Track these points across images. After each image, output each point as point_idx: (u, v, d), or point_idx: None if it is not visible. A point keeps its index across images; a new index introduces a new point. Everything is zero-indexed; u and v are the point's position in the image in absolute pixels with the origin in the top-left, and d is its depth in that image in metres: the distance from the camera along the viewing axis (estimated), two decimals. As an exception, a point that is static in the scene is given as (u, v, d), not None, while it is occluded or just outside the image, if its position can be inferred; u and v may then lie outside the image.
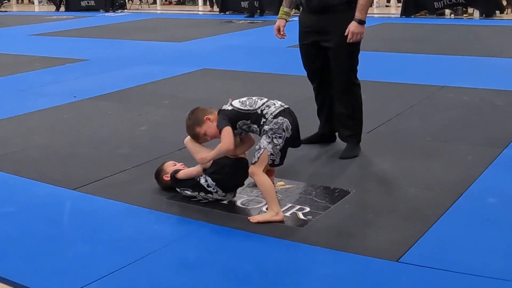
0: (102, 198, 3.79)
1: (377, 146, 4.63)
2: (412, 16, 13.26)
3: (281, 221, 3.34)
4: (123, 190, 3.92)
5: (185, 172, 3.69)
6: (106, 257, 3.04)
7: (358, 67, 4.42)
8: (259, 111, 3.45)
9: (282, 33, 4.56)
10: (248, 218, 3.38)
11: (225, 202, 3.65)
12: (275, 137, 3.40)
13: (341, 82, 4.38)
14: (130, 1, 18.40)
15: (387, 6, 16.35)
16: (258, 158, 3.40)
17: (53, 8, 18.57)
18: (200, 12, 16.87)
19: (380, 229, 3.25)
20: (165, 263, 2.98)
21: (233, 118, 3.48)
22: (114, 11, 16.57)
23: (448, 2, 12.85)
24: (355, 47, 4.29)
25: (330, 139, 4.68)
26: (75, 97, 6.47)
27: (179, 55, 9.27)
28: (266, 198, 3.44)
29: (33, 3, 21.16)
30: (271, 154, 3.40)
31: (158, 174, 3.85)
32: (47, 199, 3.82)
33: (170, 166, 3.81)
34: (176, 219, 3.46)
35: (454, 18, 12.88)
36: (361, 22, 4.17)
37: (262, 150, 3.40)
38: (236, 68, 7.92)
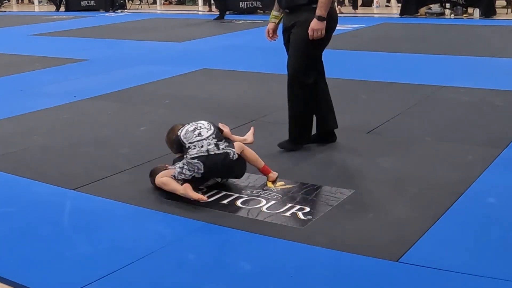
0: (102, 198, 3.79)
1: (377, 146, 4.63)
2: (412, 16, 13.26)
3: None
4: (123, 190, 3.92)
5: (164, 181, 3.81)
6: (106, 257, 3.04)
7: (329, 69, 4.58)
8: (186, 146, 3.81)
9: (271, 35, 4.72)
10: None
11: (225, 202, 3.65)
12: (185, 169, 3.72)
13: (289, 76, 4.49)
14: (130, 1, 18.40)
15: (387, 6, 16.35)
16: (167, 169, 3.81)
17: (53, 8, 18.58)
18: (200, 12, 16.86)
19: (380, 229, 3.25)
20: (165, 263, 2.98)
21: (178, 146, 3.89)
22: (114, 11, 16.57)
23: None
24: (307, 47, 4.37)
25: (327, 139, 4.68)
26: (75, 97, 6.47)
27: (179, 55, 9.27)
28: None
29: (33, 3, 21.16)
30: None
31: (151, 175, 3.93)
32: (47, 199, 3.82)
33: (161, 169, 3.86)
34: (176, 219, 3.46)
35: (454, 18, 12.89)
36: (320, 19, 4.26)
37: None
38: (236, 68, 7.92)
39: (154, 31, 12.09)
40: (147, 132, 5.15)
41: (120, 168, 4.29)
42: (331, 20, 4.36)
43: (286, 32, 4.56)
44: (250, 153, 3.91)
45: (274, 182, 3.90)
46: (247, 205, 3.60)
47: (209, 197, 3.72)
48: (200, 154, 3.74)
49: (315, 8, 4.28)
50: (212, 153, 3.74)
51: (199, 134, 3.84)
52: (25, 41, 11.44)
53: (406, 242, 3.08)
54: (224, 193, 3.77)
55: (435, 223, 3.28)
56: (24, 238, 3.29)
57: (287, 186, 3.84)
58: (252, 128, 4.22)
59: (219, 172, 3.80)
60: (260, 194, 3.75)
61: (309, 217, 3.41)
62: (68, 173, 4.24)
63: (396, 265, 2.88)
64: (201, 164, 3.71)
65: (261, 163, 3.93)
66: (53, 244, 3.21)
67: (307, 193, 3.74)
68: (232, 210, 3.55)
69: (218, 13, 14.47)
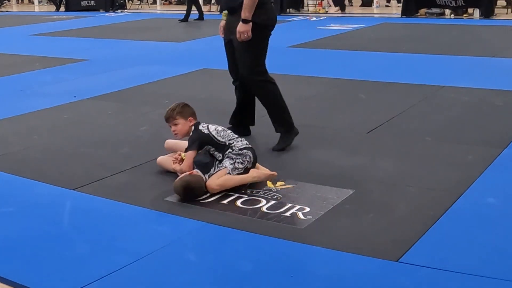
0: (102, 198, 3.79)
1: (377, 146, 4.63)
2: (412, 16, 13.26)
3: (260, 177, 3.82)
4: (123, 190, 3.92)
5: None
6: (106, 257, 3.04)
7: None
8: (227, 143, 3.93)
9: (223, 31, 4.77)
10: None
11: (225, 202, 3.65)
12: (238, 162, 3.84)
13: (245, 79, 4.63)
14: (130, 1, 18.41)
15: (387, 6, 16.36)
16: (216, 173, 3.81)
17: (53, 8, 18.59)
18: (200, 12, 16.84)
19: (380, 229, 3.25)
20: (165, 263, 2.98)
21: (204, 143, 3.96)
22: (114, 11, 16.58)
23: (449, 3, 12.85)
24: (253, 48, 4.49)
25: (244, 132, 4.82)
26: (75, 97, 6.47)
27: (179, 55, 9.27)
28: (240, 182, 3.77)
29: (33, 3, 21.17)
30: (228, 173, 3.80)
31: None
32: (47, 199, 3.82)
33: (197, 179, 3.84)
34: (176, 219, 3.46)
35: (454, 18, 12.89)
36: (244, 21, 4.35)
37: (222, 168, 3.82)
38: (236, 68, 7.91)
39: (154, 31, 12.08)
40: (147, 132, 5.15)
41: (120, 168, 4.29)
42: (255, 24, 4.42)
43: (229, 32, 4.63)
44: None
45: (273, 182, 3.90)
46: (247, 205, 3.60)
47: (209, 197, 3.72)
48: (246, 146, 3.94)
49: (255, 12, 4.38)
50: (250, 146, 3.99)
51: (232, 133, 4.03)
52: (25, 41, 11.44)
53: (406, 242, 3.08)
54: (224, 193, 3.77)
55: (435, 223, 3.28)
56: (24, 238, 3.29)
57: (287, 186, 3.84)
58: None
59: (255, 164, 3.96)
60: (260, 194, 3.75)
61: (309, 217, 3.41)
62: (68, 173, 4.24)
63: (396, 265, 2.88)
64: (250, 152, 3.91)
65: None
66: (53, 244, 3.21)
67: (307, 193, 3.74)
68: (232, 210, 3.55)
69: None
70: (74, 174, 4.21)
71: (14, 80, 7.61)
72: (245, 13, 4.34)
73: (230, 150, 3.90)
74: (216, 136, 3.96)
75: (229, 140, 3.95)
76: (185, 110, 4.13)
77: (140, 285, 2.79)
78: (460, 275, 2.77)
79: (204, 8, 17.25)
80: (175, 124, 4.10)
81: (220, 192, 3.75)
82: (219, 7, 15.49)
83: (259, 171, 3.88)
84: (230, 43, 4.65)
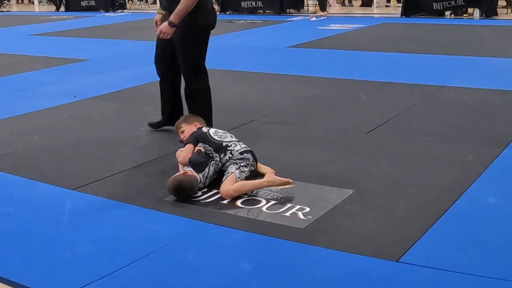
0: (102, 198, 3.79)
1: (377, 146, 4.63)
2: (412, 16, 13.26)
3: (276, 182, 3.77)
4: (123, 190, 3.92)
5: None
6: (106, 257, 3.04)
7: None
8: (223, 144, 3.96)
9: (159, 25, 4.81)
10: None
11: (225, 202, 3.65)
12: (242, 166, 3.85)
13: (184, 77, 4.85)
14: (130, 1, 18.40)
15: (387, 6, 16.35)
16: (225, 179, 3.77)
17: (53, 8, 18.58)
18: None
19: (380, 229, 3.25)
20: (165, 263, 2.98)
21: (199, 138, 4.03)
22: (114, 11, 16.57)
23: (447, 4, 12.85)
24: (194, 48, 4.72)
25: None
26: (75, 97, 6.47)
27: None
28: (254, 187, 3.78)
29: (33, 3, 21.17)
30: (238, 177, 3.79)
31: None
32: (47, 199, 3.82)
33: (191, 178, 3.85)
34: (176, 219, 3.46)
35: (454, 18, 12.89)
36: (171, 24, 4.56)
37: (230, 174, 3.80)
38: (236, 68, 7.93)
39: (154, 31, 12.06)
40: (147, 132, 5.15)
41: (120, 168, 4.29)
42: (195, 27, 4.61)
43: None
44: None
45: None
46: (247, 205, 3.60)
47: (209, 197, 3.73)
48: (245, 149, 3.97)
49: (193, 15, 4.54)
50: (250, 149, 4.00)
51: (231, 137, 4.08)
52: (25, 41, 11.44)
53: (406, 242, 3.08)
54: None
55: (435, 223, 3.28)
56: (24, 238, 3.29)
57: (287, 186, 3.84)
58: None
59: (256, 166, 3.99)
60: (260, 194, 3.75)
61: (309, 217, 3.41)
62: (68, 173, 4.24)
63: (396, 265, 2.88)
64: (250, 155, 3.93)
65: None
66: (53, 244, 3.21)
67: (307, 193, 3.74)
68: (232, 210, 3.55)
69: (223, 13, 14.43)
70: (74, 174, 4.21)
71: (14, 80, 7.61)
72: (175, 18, 4.54)
73: (230, 155, 3.90)
74: (212, 134, 4.04)
75: (226, 141, 3.98)
76: (189, 118, 4.36)
77: (140, 285, 2.79)
78: (460, 275, 2.77)
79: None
80: (182, 132, 4.23)
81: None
82: (219, 8, 15.51)
83: (274, 177, 3.79)
84: (166, 39, 4.71)
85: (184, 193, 3.69)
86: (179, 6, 4.50)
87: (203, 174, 3.83)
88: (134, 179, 4.10)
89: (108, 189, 3.92)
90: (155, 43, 4.92)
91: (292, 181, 3.77)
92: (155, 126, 5.13)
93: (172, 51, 4.79)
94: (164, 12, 4.82)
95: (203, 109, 4.79)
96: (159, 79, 5.08)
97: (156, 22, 4.93)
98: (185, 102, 4.94)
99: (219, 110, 5.73)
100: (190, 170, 3.82)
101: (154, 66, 5.06)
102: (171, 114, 5.00)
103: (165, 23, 4.59)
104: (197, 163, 3.86)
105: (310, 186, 3.84)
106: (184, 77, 4.87)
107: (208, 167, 3.86)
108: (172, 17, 4.55)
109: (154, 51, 5.00)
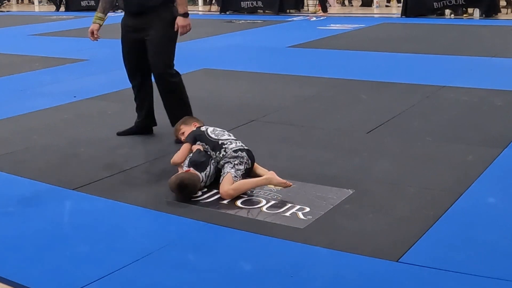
0: (102, 198, 3.79)
1: (377, 146, 4.63)
2: (412, 16, 13.26)
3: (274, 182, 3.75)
4: (123, 190, 3.92)
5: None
6: (106, 257, 3.04)
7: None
8: (219, 142, 3.96)
9: (95, 36, 4.95)
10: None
11: (225, 202, 3.65)
12: (236, 164, 3.83)
13: (156, 76, 4.79)
14: (130, 1, 18.36)
15: (387, 6, 16.36)
16: (223, 180, 3.76)
17: (53, 8, 18.58)
18: (200, 12, 16.86)
19: (380, 229, 3.25)
20: (165, 263, 2.98)
21: (197, 137, 4.06)
22: (114, 11, 16.56)
23: (448, 3, 12.85)
24: (171, 45, 4.75)
25: (148, 131, 5.03)
26: (75, 97, 6.47)
27: (179, 55, 9.20)
28: (253, 186, 3.78)
29: (33, 3, 21.17)
30: (234, 176, 3.78)
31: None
32: (47, 199, 3.82)
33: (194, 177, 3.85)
34: (176, 219, 3.46)
35: (454, 18, 12.89)
36: (186, 15, 4.62)
37: (226, 174, 3.79)
38: (236, 68, 7.93)
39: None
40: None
41: (120, 168, 4.29)
42: (173, 19, 4.65)
43: (135, 33, 4.75)
44: None
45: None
46: (247, 205, 3.60)
47: (209, 197, 3.73)
48: (239, 147, 3.94)
49: (171, 8, 4.61)
50: (246, 148, 3.98)
51: (229, 135, 4.08)
52: (25, 41, 11.43)
53: (406, 242, 3.08)
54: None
55: (435, 223, 3.28)
56: (24, 238, 3.29)
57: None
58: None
59: (253, 165, 3.96)
60: (260, 194, 3.75)
61: (309, 217, 3.41)
62: (68, 173, 4.24)
63: (396, 265, 2.88)
64: (245, 153, 3.90)
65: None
66: (53, 244, 3.21)
67: (307, 193, 3.74)
68: (232, 210, 3.55)
69: (223, 13, 14.46)
70: (74, 174, 4.21)
71: (14, 80, 7.61)
72: (184, 8, 4.60)
73: (224, 152, 3.90)
74: (209, 133, 4.06)
75: (223, 140, 3.98)
76: (188, 119, 4.41)
77: (140, 285, 2.79)
78: (460, 275, 2.77)
79: (204, 8, 17.27)
80: (182, 133, 4.26)
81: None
82: (219, 8, 15.52)
83: (274, 175, 3.77)
84: (137, 43, 4.73)
85: (186, 191, 3.69)
86: None
87: (205, 173, 3.83)
88: (134, 179, 4.10)
89: (108, 189, 3.92)
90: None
91: (291, 184, 3.75)
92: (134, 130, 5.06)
93: (141, 62, 4.79)
94: (102, 22, 4.89)
95: (185, 102, 4.85)
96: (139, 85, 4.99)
97: (92, 32, 4.91)
98: (165, 100, 4.88)
99: (219, 110, 5.74)
100: (192, 169, 3.82)
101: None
102: (150, 120, 5.04)
103: (180, 18, 4.59)
104: (199, 163, 3.86)
105: (310, 186, 3.84)
106: (160, 76, 4.79)
107: (209, 166, 3.87)
108: (181, 9, 4.58)
109: (125, 64, 4.93)
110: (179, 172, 3.88)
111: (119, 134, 5.03)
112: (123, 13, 4.95)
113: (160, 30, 4.65)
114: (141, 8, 4.66)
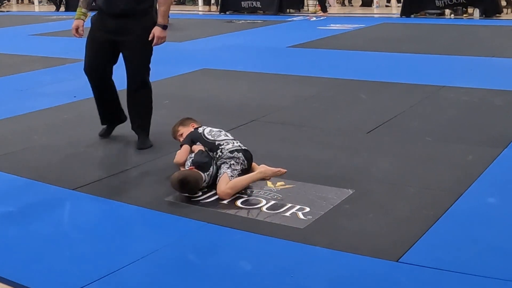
0: (102, 198, 3.79)
1: (377, 146, 4.63)
2: (412, 16, 13.26)
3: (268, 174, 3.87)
4: (123, 190, 3.92)
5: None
6: (106, 257, 3.04)
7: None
8: (215, 143, 4.00)
9: (80, 32, 4.78)
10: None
11: (225, 202, 3.65)
12: (233, 164, 3.87)
13: (135, 81, 4.72)
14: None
15: (387, 6, 16.36)
16: (219, 181, 3.78)
17: (53, 8, 18.58)
18: (200, 12, 16.87)
19: (380, 229, 3.25)
20: (165, 263, 2.98)
21: (194, 139, 4.10)
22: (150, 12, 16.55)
23: (449, 1, 12.85)
24: (150, 50, 4.67)
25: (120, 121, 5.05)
26: (75, 97, 6.47)
27: (179, 55, 9.26)
28: (250, 181, 3.83)
29: (33, 3, 21.17)
30: (231, 176, 3.80)
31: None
32: (47, 199, 3.82)
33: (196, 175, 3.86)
34: (176, 219, 3.46)
35: (454, 18, 12.89)
36: (165, 27, 4.57)
37: (222, 174, 3.81)
38: (236, 68, 7.92)
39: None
40: (147, 132, 5.14)
41: (120, 168, 4.29)
42: (153, 26, 4.58)
43: (110, 34, 4.63)
44: None
45: (273, 182, 3.90)
46: (247, 205, 3.60)
47: (209, 197, 3.73)
48: (236, 148, 3.98)
49: (151, 14, 4.57)
50: (244, 148, 4.01)
51: (225, 135, 4.11)
52: (25, 41, 11.43)
53: (406, 242, 3.08)
54: (224, 193, 3.76)
55: (435, 223, 3.28)
56: (24, 238, 3.29)
57: (287, 186, 3.84)
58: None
59: (250, 165, 3.99)
60: (260, 194, 3.75)
61: (309, 217, 3.41)
62: (68, 173, 4.24)
63: (396, 265, 2.88)
64: (241, 154, 3.94)
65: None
66: (53, 244, 3.20)
67: (307, 193, 3.74)
68: (232, 210, 3.55)
69: (222, 13, 14.47)
70: (74, 174, 4.21)
71: (14, 80, 7.61)
72: (165, 19, 4.58)
73: (220, 153, 3.93)
74: (206, 134, 4.09)
75: (219, 140, 4.02)
76: (185, 121, 4.39)
77: (140, 285, 2.79)
78: (460, 275, 2.77)
79: (204, 8, 17.27)
80: (180, 135, 4.28)
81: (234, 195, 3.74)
82: (219, 8, 15.52)
83: (266, 168, 3.91)
84: (107, 44, 4.65)
85: (188, 188, 3.70)
86: (163, 8, 4.53)
87: (208, 174, 3.83)
88: (134, 179, 4.10)
89: (108, 189, 3.92)
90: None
91: (285, 170, 3.86)
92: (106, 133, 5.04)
93: (106, 63, 4.76)
94: (86, 17, 4.77)
95: (150, 111, 4.84)
96: (96, 87, 4.94)
97: (77, 28, 4.74)
98: (133, 106, 4.82)
99: (219, 110, 5.74)
100: (195, 169, 3.83)
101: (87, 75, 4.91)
102: (114, 115, 5.01)
103: (159, 28, 4.53)
104: (202, 163, 3.86)
105: (310, 186, 3.84)
106: (137, 83, 4.73)
107: (212, 167, 3.87)
108: (161, 20, 4.54)
109: (86, 60, 4.80)
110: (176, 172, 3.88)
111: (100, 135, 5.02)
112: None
113: (142, 36, 4.56)
114: (125, 11, 4.57)
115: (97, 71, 4.82)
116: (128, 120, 4.95)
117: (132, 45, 4.62)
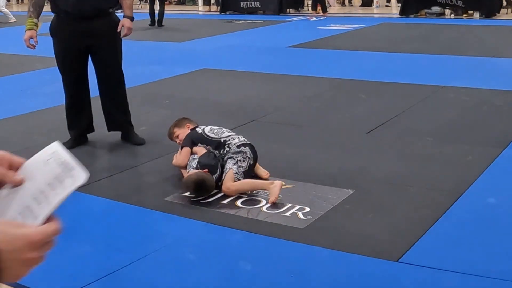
0: (102, 198, 3.79)
1: (377, 146, 4.63)
2: (412, 16, 13.26)
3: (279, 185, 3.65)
4: (123, 190, 3.92)
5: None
6: (106, 257, 3.04)
7: None
8: (221, 140, 3.96)
9: (33, 43, 4.72)
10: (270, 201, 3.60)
11: (225, 202, 3.65)
12: (240, 161, 3.83)
13: (115, 79, 4.77)
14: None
15: (387, 6, 16.36)
16: (225, 176, 3.75)
17: (53, 8, 18.55)
18: (200, 12, 16.87)
19: (380, 229, 3.25)
20: (165, 263, 2.98)
21: (195, 140, 4.02)
22: (114, 11, 16.56)
23: (449, 1, 12.85)
24: (121, 46, 4.77)
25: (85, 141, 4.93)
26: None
27: (179, 55, 9.27)
28: (256, 187, 3.76)
29: (33, 3, 21.13)
30: (236, 173, 3.76)
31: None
32: (47, 199, 3.81)
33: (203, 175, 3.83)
34: (176, 219, 3.46)
35: (454, 18, 12.89)
36: (132, 19, 4.70)
37: (228, 170, 3.78)
38: (236, 68, 7.92)
39: (154, 31, 12.07)
40: (147, 132, 5.14)
41: (120, 168, 4.29)
42: (118, 22, 4.70)
43: (83, 38, 4.58)
44: None
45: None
46: (247, 205, 3.60)
47: (209, 197, 3.73)
48: (242, 142, 3.95)
49: (114, 15, 4.75)
50: (249, 142, 3.98)
51: (228, 131, 4.08)
52: (25, 41, 11.41)
53: (406, 242, 3.08)
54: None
55: (435, 223, 3.28)
56: (24, 238, 3.28)
57: (287, 186, 3.84)
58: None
59: (256, 160, 3.95)
60: (260, 194, 3.75)
61: (309, 217, 3.41)
62: (68, 173, 4.23)
63: (396, 265, 2.88)
64: (248, 148, 3.90)
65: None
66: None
67: (307, 193, 3.74)
68: (232, 210, 3.55)
69: (223, 13, 14.45)
70: (74, 174, 4.19)
71: (14, 80, 7.61)
72: (132, 12, 4.72)
73: (228, 148, 3.91)
74: (208, 133, 4.04)
75: (224, 137, 4.00)
76: (180, 121, 4.31)
77: (140, 285, 2.79)
78: (460, 275, 2.77)
79: (204, 8, 17.27)
80: (176, 136, 4.22)
81: (220, 192, 3.75)
82: (219, 8, 15.51)
83: (276, 188, 3.62)
84: (82, 50, 4.65)
85: (203, 190, 3.69)
86: (129, 1, 4.71)
87: (215, 176, 3.81)
88: (134, 179, 4.10)
89: (108, 189, 3.92)
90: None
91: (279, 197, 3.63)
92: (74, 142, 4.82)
93: (84, 69, 4.80)
94: (38, 28, 4.72)
95: (127, 109, 4.87)
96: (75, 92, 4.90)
97: (33, 38, 4.67)
98: (110, 107, 4.82)
99: (219, 110, 5.74)
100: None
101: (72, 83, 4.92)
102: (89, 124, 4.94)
103: (128, 20, 4.62)
104: (209, 166, 3.82)
105: (310, 186, 3.84)
106: (116, 76, 4.78)
107: (218, 169, 3.85)
108: (129, 12, 4.67)
109: (70, 75, 4.81)
110: (191, 173, 3.80)
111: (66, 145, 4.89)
112: (122, 13, 4.87)
113: (115, 36, 4.64)
114: (96, 11, 4.54)
115: (76, 80, 4.85)
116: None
117: (106, 45, 4.65)
